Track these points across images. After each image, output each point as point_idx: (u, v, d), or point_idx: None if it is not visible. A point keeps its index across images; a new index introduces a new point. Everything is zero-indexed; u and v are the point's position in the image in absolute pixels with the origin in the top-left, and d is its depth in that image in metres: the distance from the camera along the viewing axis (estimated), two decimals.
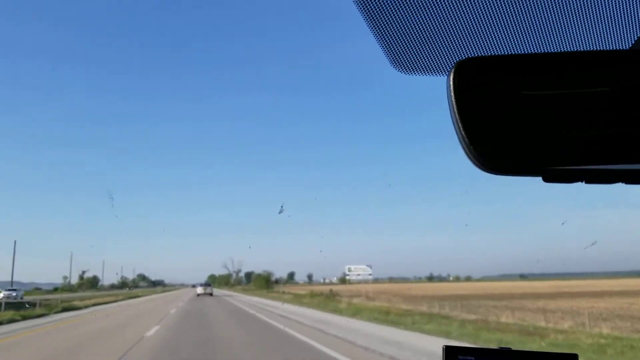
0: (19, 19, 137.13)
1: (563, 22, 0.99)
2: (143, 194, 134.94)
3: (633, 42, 1.01)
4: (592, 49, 1.05)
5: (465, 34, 1.01)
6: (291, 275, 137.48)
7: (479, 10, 0.95)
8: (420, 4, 0.93)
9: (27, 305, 30.85)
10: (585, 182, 0.81)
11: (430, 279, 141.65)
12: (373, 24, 0.97)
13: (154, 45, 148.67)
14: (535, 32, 1.01)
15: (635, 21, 0.97)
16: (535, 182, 0.83)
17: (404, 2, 0.92)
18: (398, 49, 1.03)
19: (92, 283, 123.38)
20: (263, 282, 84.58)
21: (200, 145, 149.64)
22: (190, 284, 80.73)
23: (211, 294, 54.22)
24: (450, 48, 1.04)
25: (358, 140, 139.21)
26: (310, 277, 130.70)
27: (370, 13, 0.94)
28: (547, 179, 0.81)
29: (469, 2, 0.93)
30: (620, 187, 0.82)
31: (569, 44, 1.04)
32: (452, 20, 0.98)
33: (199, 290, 55.23)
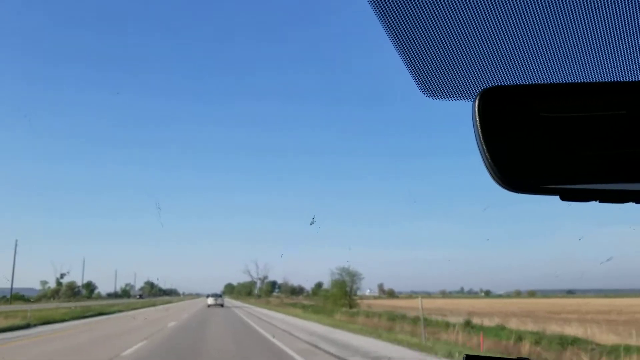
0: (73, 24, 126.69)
1: (580, 52, 1.07)
2: (160, 199, 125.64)
3: None
4: (608, 77, 1.13)
5: (489, 63, 1.10)
6: (319, 286, 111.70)
7: (501, 42, 1.04)
8: (448, 37, 1.03)
9: None
10: (599, 201, 0.88)
11: (462, 293, 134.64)
12: (404, 53, 1.07)
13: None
14: (553, 62, 1.10)
15: None
16: (553, 200, 0.91)
17: (434, 35, 1.02)
18: (426, 77, 1.14)
19: (87, 290, 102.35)
20: (339, 293, 43.38)
21: (224, 151, 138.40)
22: (206, 294, 68.11)
23: (222, 305, 52.75)
24: (475, 76, 1.14)
25: (382, 155, 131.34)
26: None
27: (401, 42, 1.04)
28: (564, 197, 0.88)
29: (492, 35, 1.03)
30: (631, 205, 0.90)
31: (586, 73, 1.12)
32: (477, 51, 1.08)
33: (210, 301, 53.43)
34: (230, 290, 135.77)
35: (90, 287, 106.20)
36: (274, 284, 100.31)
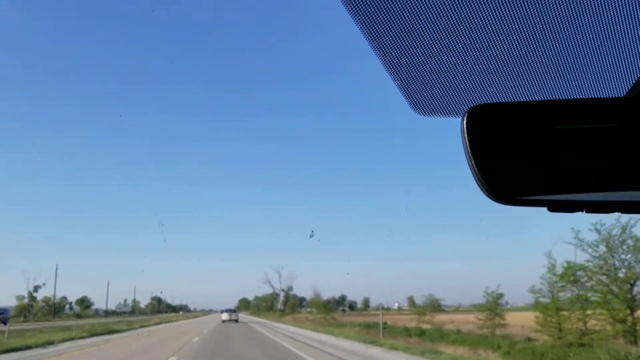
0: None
1: (566, 70, 1.13)
2: (170, 214, 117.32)
3: (628, 89, 1.13)
4: (592, 94, 1.19)
5: (477, 81, 1.15)
6: (343, 299, 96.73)
7: (489, 60, 1.09)
8: (437, 55, 1.07)
9: None
10: (586, 212, 0.91)
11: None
12: (393, 71, 1.11)
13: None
14: (539, 79, 1.15)
15: (630, 70, 1.11)
16: (542, 211, 0.91)
17: (423, 54, 1.06)
18: (416, 94, 1.18)
19: (81, 307, 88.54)
20: None
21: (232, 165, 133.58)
22: (220, 310, 62.42)
23: (236, 321, 50.72)
24: (464, 94, 1.18)
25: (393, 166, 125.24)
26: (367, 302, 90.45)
27: (391, 60, 1.08)
28: (552, 208, 0.91)
29: (480, 53, 1.07)
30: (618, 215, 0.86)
31: (570, 90, 1.18)
32: (466, 69, 1.12)
33: (224, 316, 51.74)
34: (246, 305, 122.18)
35: (84, 303, 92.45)
36: (301, 299, 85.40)
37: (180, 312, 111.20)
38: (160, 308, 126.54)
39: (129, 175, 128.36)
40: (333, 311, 64.19)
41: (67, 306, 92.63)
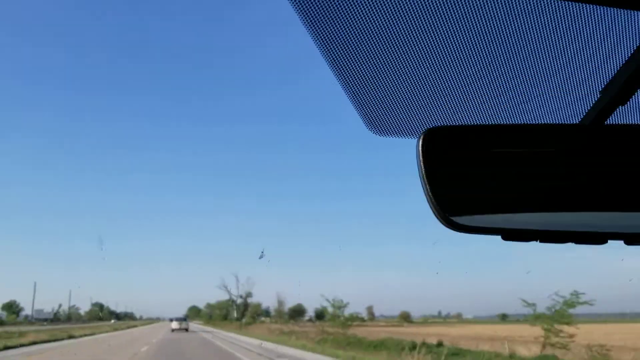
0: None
1: (523, 96, 1.14)
2: (119, 221, 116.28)
3: (583, 116, 1.14)
4: (548, 120, 1.21)
5: (434, 103, 1.14)
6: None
7: (445, 83, 1.09)
8: (393, 76, 1.06)
9: None
10: (540, 241, 0.88)
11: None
12: (349, 89, 1.09)
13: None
14: (496, 103, 1.15)
15: (585, 97, 1.13)
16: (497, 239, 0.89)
17: (379, 73, 1.05)
18: (372, 114, 1.16)
19: (8, 313, 78.26)
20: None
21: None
22: (168, 318, 59.25)
23: (186, 330, 48.02)
24: (420, 115, 1.17)
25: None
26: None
27: (346, 78, 1.06)
28: (506, 237, 0.89)
29: (437, 76, 1.07)
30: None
31: (527, 115, 1.19)
32: (423, 90, 1.11)
33: (174, 325, 48.64)
34: (196, 313, 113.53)
35: (12, 308, 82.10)
36: (266, 309, 76.47)
37: (113, 321, 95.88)
38: (102, 315, 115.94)
39: (71, 182, 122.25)
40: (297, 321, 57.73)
41: None
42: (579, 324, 17.58)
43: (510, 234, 0.88)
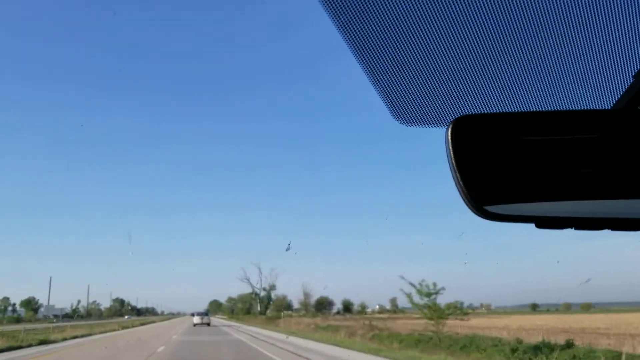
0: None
1: (552, 82, 1.12)
2: (141, 217, 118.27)
3: (614, 102, 1.12)
4: (579, 106, 1.17)
5: (461, 92, 1.13)
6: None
7: (473, 71, 1.08)
8: (421, 65, 1.05)
9: None
10: (575, 229, 0.88)
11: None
12: (376, 80, 1.09)
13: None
14: (525, 90, 1.13)
15: (616, 83, 1.10)
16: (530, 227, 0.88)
17: (406, 63, 1.04)
18: (399, 104, 1.16)
19: (27, 310, 76.81)
20: None
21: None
22: (190, 313, 58.88)
23: (208, 324, 45.57)
24: (448, 104, 1.16)
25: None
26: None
27: (373, 69, 1.06)
28: (539, 225, 0.88)
29: (464, 64, 1.06)
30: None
31: (557, 101, 1.17)
32: (451, 79, 1.10)
33: (196, 320, 46.67)
34: (217, 308, 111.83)
35: (31, 304, 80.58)
36: (289, 302, 73.07)
37: (127, 317, 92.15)
38: (123, 311, 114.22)
39: (95, 179, 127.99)
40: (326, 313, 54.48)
41: (10, 308, 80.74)
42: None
43: (544, 222, 0.87)
